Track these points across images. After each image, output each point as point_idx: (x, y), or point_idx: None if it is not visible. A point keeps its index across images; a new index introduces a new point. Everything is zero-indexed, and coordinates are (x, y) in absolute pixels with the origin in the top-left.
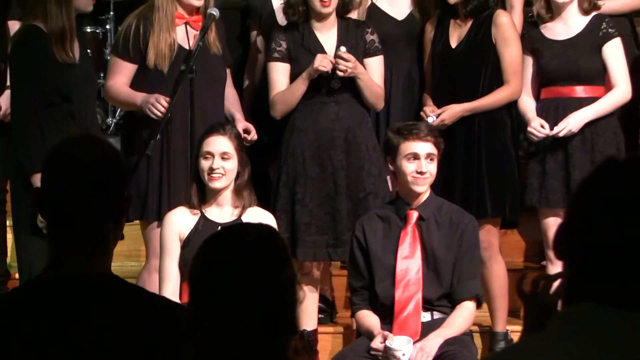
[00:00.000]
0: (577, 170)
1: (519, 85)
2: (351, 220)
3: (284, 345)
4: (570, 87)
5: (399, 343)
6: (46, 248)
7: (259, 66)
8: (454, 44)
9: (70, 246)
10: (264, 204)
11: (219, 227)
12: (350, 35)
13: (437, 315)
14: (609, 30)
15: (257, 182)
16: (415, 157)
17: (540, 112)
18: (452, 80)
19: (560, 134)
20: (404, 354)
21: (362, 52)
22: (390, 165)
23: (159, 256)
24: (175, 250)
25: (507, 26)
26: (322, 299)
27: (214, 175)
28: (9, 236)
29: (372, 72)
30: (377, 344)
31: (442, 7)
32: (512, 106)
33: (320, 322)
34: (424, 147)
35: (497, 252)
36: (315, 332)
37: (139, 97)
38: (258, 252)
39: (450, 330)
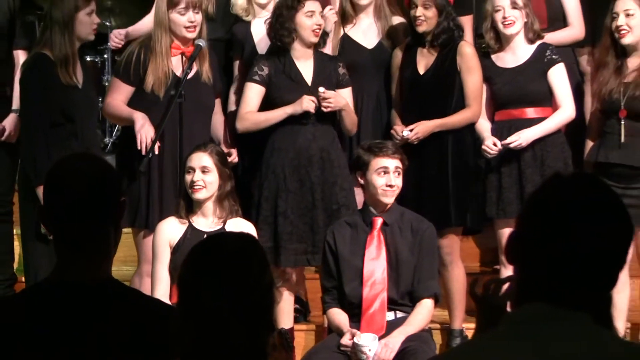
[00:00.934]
0: (529, 184)
1: (479, 108)
2: (326, 230)
3: (263, 342)
4: (521, 110)
5: (366, 340)
6: (51, 254)
7: (241, 93)
8: (421, 70)
9: (73, 252)
10: (246, 217)
11: (205, 236)
12: (325, 67)
13: (399, 314)
14: (553, 56)
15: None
16: (385, 171)
17: (496, 133)
18: (420, 103)
19: (511, 145)
20: (370, 350)
21: (334, 83)
22: (360, 180)
23: (151, 262)
24: (166, 256)
25: (471, 56)
26: (298, 300)
27: (195, 187)
28: (16, 243)
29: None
30: (346, 340)
31: (412, 35)
32: (474, 127)
33: (296, 320)
34: (393, 163)
35: (458, 257)
36: (291, 329)
37: (137, 118)
38: (240, 259)
39: (411, 328)
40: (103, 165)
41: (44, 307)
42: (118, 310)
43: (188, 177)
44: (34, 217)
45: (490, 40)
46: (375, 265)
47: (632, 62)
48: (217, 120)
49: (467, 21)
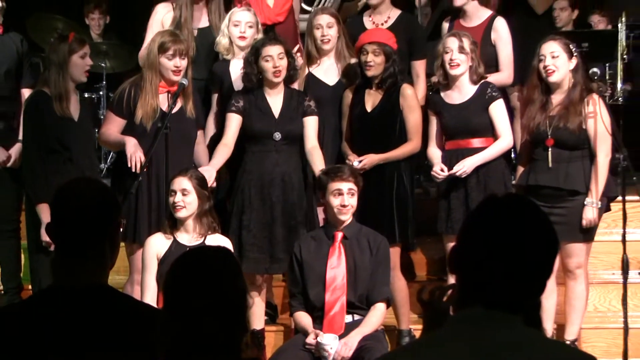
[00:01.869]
0: (474, 205)
1: (419, 142)
2: (285, 243)
3: (237, 342)
4: (467, 140)
5: (328, 339)
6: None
7: (219, 122)
8: (369, 108)
9: (75, 263)
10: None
11: (187, 249)
12: (292, 101)
13: (357, 317)
14: (493, 93)
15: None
16: (340, 193)
17: (446, 160)
18: (368, 137)
19: (457, 174)
20: (331, 348)
21: (301, 114)
22: (321, 199)
23: (141, 272)
24: (154, 267)
25: (412, 97)
26: (268, 304)
27: (176, 207)
28: (22, 255)
29: (309, 128)
30: (310, 340)
31: (362, 77)
32: (413, 158)
33: (266, 322)
34: (346, 185)
35: (399, 270)
36: (262, 330)
37: (128, 141)
38: (216, 269)
39: (366, 329)
40: (103, 189)
41: (50, 310)
42: (113, 313)
43: (171, 199)
44: (38, 231)
45: (440, 77)
46: (336, 273)
47: (556, 98)
48: (200, 150)
49: (421, 64)
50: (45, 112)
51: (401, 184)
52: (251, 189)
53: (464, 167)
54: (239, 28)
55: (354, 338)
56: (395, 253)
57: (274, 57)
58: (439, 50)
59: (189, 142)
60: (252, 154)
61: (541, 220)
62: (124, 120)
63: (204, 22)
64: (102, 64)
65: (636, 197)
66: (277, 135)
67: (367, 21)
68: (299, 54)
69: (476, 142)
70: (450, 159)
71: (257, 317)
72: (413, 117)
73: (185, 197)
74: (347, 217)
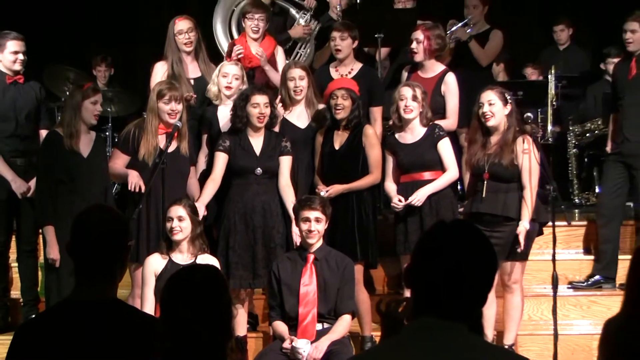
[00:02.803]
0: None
1: (379, 174)
2: (265, 262)
3: (223, 346)
4: (420, 173)
5: (301, 344)
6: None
7: (208, 158)
8: (337, 146)
9: (89, 279)
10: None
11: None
12: (271, 141)
13: (326, 325)
14: (440, 133)
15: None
16: (308, 219)
17: (401, 191)
18: (337, 170)
19: (413, 203)
20: (304, 351)
21: (278, 153)
22: (296, 225)
23: (140, 286)
24: (152, 282)
25: (372, 136)
26: (250, 314)
27: (174, 232)
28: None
29: (283, 166)
30: (286, 344)
31: (331, 119)
32: (374, 188)
33: (249, 330)
34: (314, 214)
35: (362, 285)
36: (245, 337)
37: (131, 173)
38: (205, 284)
39: (334, 335)
40: (117, 216)
41: (67, 320)
42: (120, 321)
43: (168, 224)
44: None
45: (395, 120)
46: (308, 289)
47: (494, 139)
48: (192, 183)
49: (378, 110)
50: (56, 149)
51: (363, 211)
52: (236, 215)
53: (418, 197)
54: (226, 79)
55: (324, 343)
56: (358, 270)
57: (261, 104)
58: (395, 97)
59: (183, 177)
60: (237, 186)
61: (483, 242)
62: (128, 156)
63: (197, 73)
64: (108, 109)
65: (564, 223)
66: (259, 171)
67: (334, 72)
68: (280, 105)
69: (427, 175)
70: (405, 190)
71: (241, 325)
72: (374, 153)
73: (181, 223)
74: (313, 241)
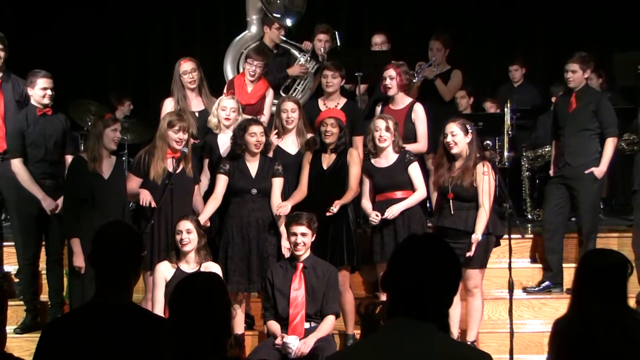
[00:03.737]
0: (401, 240)
1: (358, 188)
2: (259, 270)
3: (223, 343)
4: (393, 193)
5: (290, 339)
6: (82, 285)
7: (210, 181)
8: (325, 167)
9: (108, 285)
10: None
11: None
12: (265, 165)
13: (313, 324)
14: (411, 158)
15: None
16: (294, 234)
17: (377, 208)
18: (325, 188)
19: (388, 217)
20: (293, 346)
21: (271, 175)
22: (286, 239)
23: (152, 290)
24: (162, 287)
25: (355, 156)
26: (247, 315)
27: (183, 243)
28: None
29: (275, 187)
30: (278, 341)
31: (320, 144)
32: (356, 205)
33: (246, 328)
34: (299, 229)
35: (348, 286)
36: (242, 334)
37: (142, 192)
38: (208, 289)
39: (320, 333)
40: (132, 231)
41: (89, 320)
42: (135, 321)
43: (177, 237)
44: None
45: (371, 147)
46: (298, 293)
47: (458, 164)
48: (197, 200)
49: (359, 139)
50: (81, 171)
51: (346, 222)
52: (234, 229)
53: (393, 212)
54: (225, 112)
55: (311, 339)
56: (345, 274)
57: (257, 134)
58: (371, 128)
59: (188, 195)
60: (235, 204)
61: (449, 253)
62: (140, 178)
63: (200, 106)
64: (125, 137)
65: (518, 236)
66: (254, 191)
67: (322, 105)
68: (275, 134)
69: (399, 194)
70: (381, 207)
71: (239, 324)
72: (354, 170)
73: (189, 235)
74: (300, 253)
